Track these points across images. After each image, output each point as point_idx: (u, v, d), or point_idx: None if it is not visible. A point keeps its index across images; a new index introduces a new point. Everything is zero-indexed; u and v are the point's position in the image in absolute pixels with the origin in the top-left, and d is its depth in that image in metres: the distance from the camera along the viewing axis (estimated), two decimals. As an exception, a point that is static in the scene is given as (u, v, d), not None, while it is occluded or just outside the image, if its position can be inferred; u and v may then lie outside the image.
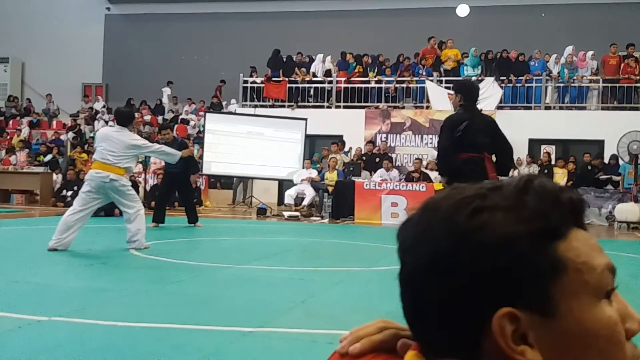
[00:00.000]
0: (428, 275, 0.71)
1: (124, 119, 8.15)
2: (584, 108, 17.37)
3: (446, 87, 17.48)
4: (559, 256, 0.69)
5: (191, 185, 11.94)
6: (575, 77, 17.27)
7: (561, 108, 17.44)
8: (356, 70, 18.62)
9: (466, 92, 6.01)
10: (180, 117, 21.52)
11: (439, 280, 0.70)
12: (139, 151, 8.14)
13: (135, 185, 14.35)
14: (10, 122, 22.84)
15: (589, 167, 15.56)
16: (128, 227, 7.80)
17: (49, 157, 18.70)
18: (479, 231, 0.69)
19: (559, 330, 0.68)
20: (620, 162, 15.21)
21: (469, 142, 5.74)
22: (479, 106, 6.43)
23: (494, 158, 6.01)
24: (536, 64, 17.69)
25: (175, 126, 20.20)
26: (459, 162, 5.75)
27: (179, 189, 11.83)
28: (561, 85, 17.42)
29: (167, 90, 22.67)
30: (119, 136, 7.84)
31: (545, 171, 15.39)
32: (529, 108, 17.44)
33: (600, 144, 16.37)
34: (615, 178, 15.22)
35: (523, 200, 0.71)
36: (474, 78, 17.27)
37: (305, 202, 15.01)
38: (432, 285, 0.71)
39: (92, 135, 20.77)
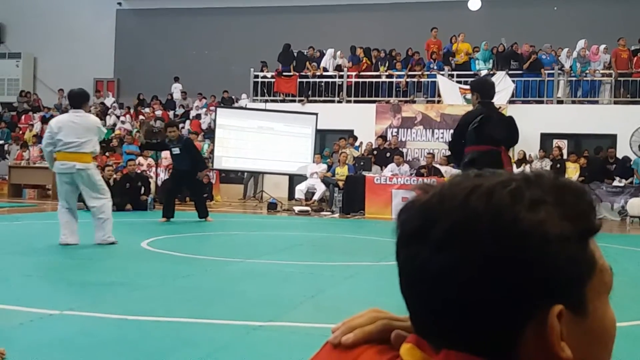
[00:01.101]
0: (470, 271, 0.65)
1: (79, 99, 7.60)
2: (596, 102, 17.22)
3: (457, 82, 17.42)
4: (593, 256, 0.69)
5: (199, 181, 11.92)
6: (587, 71, 17.14)
7: (573, 102, 17.30)
8: (363, 62, 18.54)
9: (482, 90, 6.16)
10: (193, 112, 21.57)
11: (486, 276, 0.65)
12: (100, 131, 7.61)
13: (146, 180, 14.41)
14: (23, 117, 22.96)
15: (602, 164, 15.31)
16: (101, 225, 7.39)
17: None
18: (541, 225, 0.65)
19: (586, 328, 0.68)
20: (633, 157, 15.05)
21: (488, 135, 5.81)
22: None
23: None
24: (548, 58, 17.57)
25: (188, 122, 20.25)
26: (476, 154, 5.82)
27: (187, 186, 11.83)
28: (573, 79, 17.28)
29: (178, 86, 22.73)
30: (77, 120, 7.36)
31: (558, 166, 15.26)
32: (541, 102, 17.32)
33: (612, 138, 16.22)
34: (626, 181, 14.96)
35: (564, 196, 0.69)
36: (484, 72, 17.19)
37: (316, 197, 15.01)
38: (475, 282, 0.65)
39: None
